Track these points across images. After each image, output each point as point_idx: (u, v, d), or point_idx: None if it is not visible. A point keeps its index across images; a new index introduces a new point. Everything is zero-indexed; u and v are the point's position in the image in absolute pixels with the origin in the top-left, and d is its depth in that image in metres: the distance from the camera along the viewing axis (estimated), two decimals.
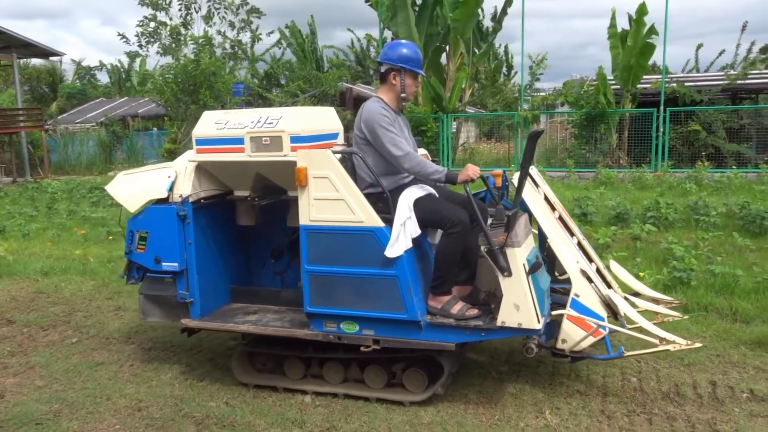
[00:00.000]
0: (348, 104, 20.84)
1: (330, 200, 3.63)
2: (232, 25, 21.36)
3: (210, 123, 4.00)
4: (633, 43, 15.60)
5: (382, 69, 3.95)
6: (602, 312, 3.68)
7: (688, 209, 8.97)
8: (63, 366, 4.62)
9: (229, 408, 3.88)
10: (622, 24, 16.71)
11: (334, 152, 3.72)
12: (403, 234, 3.55)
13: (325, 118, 4.22)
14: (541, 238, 4.11)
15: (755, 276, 5.78)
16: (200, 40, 20.13)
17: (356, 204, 3.59)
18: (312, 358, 4.06)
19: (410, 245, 3.58)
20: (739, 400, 3.77)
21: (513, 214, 3.47)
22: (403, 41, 4.09)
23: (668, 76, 16.94)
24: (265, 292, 4.54)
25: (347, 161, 3.95)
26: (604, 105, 15.81)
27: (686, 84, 16.52)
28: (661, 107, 15.40)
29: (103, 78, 38.71)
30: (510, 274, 3.44)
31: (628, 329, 3.75)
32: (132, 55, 21.77)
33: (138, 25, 20.38)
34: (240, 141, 3.85)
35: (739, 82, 16.70)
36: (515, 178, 3.82)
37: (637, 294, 4.29)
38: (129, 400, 4.03)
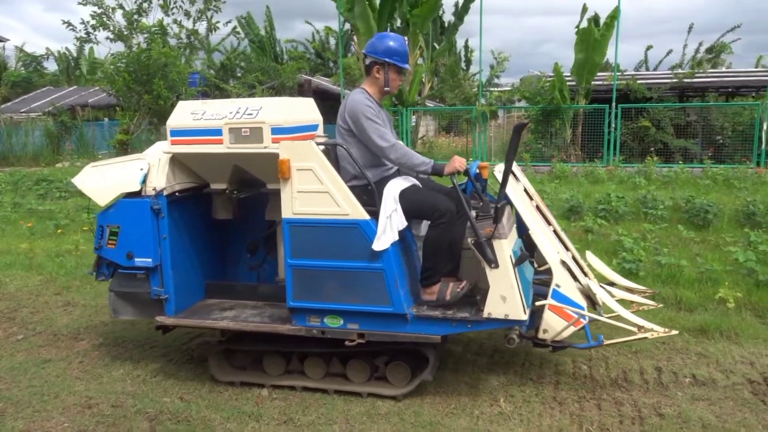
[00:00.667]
0: (306, 96, 20.69)
1: (314, 193, 3.57)
2: (187, 14, 20.91)
3: (185, 113, 3.86)
4: (592, 41, 15.95)
5: (367, 61, 3.91)
6: (582, 302, 3.72)
7: (638, 203, 9.24)
8: (7, 364, 4.48)
9: (183, 403, 3.83)
10: (583, 22, 17.05)
11: (318, 144, 3.65)
12: (390, 226, 3.52)
13: (305, 110, 4.14)
14: (520, 229, 4.14)
15: (698, 267, 6.01)
16: (152, 29, 19.62)
17: (341, 196, 3.54)
18: (292, 354, 4.00)
19: (397, 238, 3.55)
20: (682, 385, 3.93)
21: (500, 206, 3.50)
22: (391, 34, 4.01)
23: (620, 73, 17.38)
24: (242, 288, 4.44)
25: (331, 153, 3.89)
26: (559, 101, 16.13)
27: (637, 81, 17.00)
28: (613, 104, 15.81)
29: (51, 66, 37.35)
30: (497, 266, 3.45)
31: (607, 318, 3.80)
32: (81, 40, 20.94)
33: (87, 2, 19.49)
34: (218, 132, 3.74)
35: (686, 80, 17.27)
36: (497, 170, 3.86)
37: (612, 284, 4.36)
38: (78, 398, 3.93)
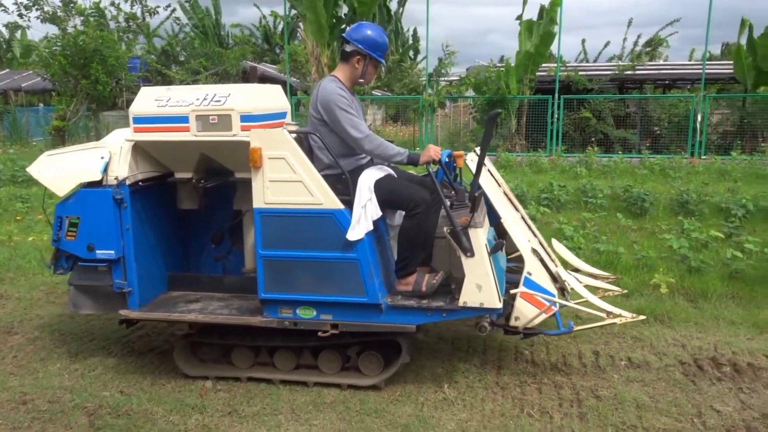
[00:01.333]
0: (252, 83, 20.32)
1: (286, 182, 3.50)
2: None
3: (149, 100, 3.70)
4: (537, 32, 16.24)
5: (347, 48, 3.82)
6: (553, 289, 3.77)
7: (579, 192, 9.51)
8: None
9: (124, 397, 3.74)
10: (530, 13, 17.35)
11: (290, 132, 3.57)
12: (364, 216, 3.50)
13: (274, 96, 4.02)
14: (490, 217, 4.13)
15: (635, 253, 6.24)
16: (87, 11, 18.84)
17: (315, 185, 3.48)
18: (261, 346, 3.93)
19: (371, 227, 3.52)
20: (618, 368, 4.09)
21: (477, 195, 3.53)
22: (375, 25, 3.94)
23: (563, 65, 17.78)
24: (207, 279, 4.33)
25: (303, 142, 3.82)
26: (505, 91, 16.38)
27: (579, 73, 17.43)
28: (556, 94, 16.17)
29: None
30: (473, 255, 3.46)
31: (576, 304, 3.86)
32: (11, 27, 19.98)
33: None
34: (184, 119, 3.60)
35: (626, 73, 17.82)
36: (469, 159, 3.88)
37: (576, 270, 4.44)
38: (12, 394, 3.78)
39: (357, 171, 3.72)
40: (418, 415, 3.50)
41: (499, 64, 17.20)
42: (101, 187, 3.80)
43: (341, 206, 3.50)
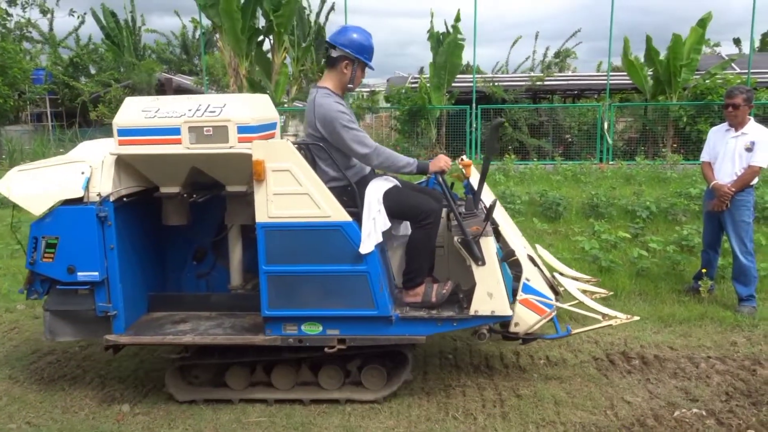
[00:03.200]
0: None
1: (292, 195, 3.38)
2: (12, 2, 18.86)
3: (135, 111, 3.49)
4: (447, 45, 16.66)
5: (334, 54, 3.70)
6: (550, 294, 3.80)
7: (498, 198, 9.76)
8: None
9: (32, 428, 3.52)
10: (439, 25, 17.78)
11: (294, 143, 3.46)
12: (374, 228, 3.43)
13: (266, 106, 3.85)
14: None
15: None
16: None
17: (322, 198, 3.39)
18: (256, 364, 3.79)
19: (381, 239, 3.46)
20: (537, 366, 4.24)
21: (492, 204, 3.53)
22: (360, 28, 3.80)
23: (480, 76, 18.34)
24: (191, 298, 4.11)
25: (307, 153, 3.69)
26: (424, 102, 16.69)
27: (496, 84, 18.03)
28: (473, 104, 16.64)
29: None
30: (484, 264, 3.46)
31: (571, 307, 3.94)
32: None
33: None
34: (175, 131, 3.41)
35: (539, 83, 18.59)
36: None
37: (561, 274, 4.52)
38: None
39: (362, 182, 3.67)
40: (345, 425, 3.50)
41: (417, 76, 17.51)
42: (82, 204, 3.55)
43: (349, 218, 3.42)
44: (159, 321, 3.90)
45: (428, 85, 16.85)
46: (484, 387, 3.93)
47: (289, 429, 3.47)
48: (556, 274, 4.40)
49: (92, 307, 3.63)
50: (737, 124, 5.25)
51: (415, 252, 3.66)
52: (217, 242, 4.14)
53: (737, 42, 32.68)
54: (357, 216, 3.47)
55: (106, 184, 3.57)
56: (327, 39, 3.81)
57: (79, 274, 3.56)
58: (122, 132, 3.49)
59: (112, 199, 3.57)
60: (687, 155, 14.58)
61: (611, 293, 4.69)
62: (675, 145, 15.71)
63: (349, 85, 3.77)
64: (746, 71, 15.65)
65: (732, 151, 5.25)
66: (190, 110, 3.43)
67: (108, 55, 21.58)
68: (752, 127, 5.21)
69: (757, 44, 30.03)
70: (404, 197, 3.66)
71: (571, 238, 7.42)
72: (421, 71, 16.84)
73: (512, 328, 3.68)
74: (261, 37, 17.23)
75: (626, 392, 3.87)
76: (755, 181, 5.25)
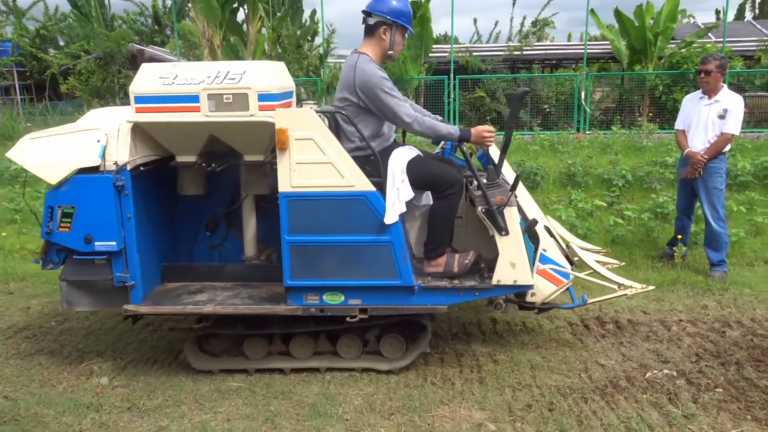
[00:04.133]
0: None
1: (315, 164, 3.35)
2: None
3: (152, 78, 3.41)
4: (419, 18, 16.49)
5: (371, 21, 3.63)
6: (567, 264, 3.83)
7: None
8: None
9: (10, 402, 3.50)
10: None
11: (317, 112, 3.41)
12: (398, 198, 3.41)
13: (283, 74, 3.77)
14: None
15: None
16: None
17: (346, 167, 3.35)
18: (274, 335, 3.79)
19: (404, 209, 3.44)
20: (514, 333, 4.31)
21: (517, 176, 3.57)
22: None
23: (457, 46, 18.21)
24: (205, 269, 4.08)
25: (330, 122, 3.62)
26: (402, 72, 16.56)
27: (473, 54, 17.94)
28: (452, 75, 16.56)
29: None
30: (507, 234, 3.47)
31: (590, 277, 3.96)
32: None
33: None
34: (194, 99, 3.35)
35: (516, 53, 18.53)
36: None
37: (568, 245, 4.47)
38: None
39: (385, 152, 3.62)
40: (324, 393, 3.53)
41: None
42: (99, 173, 3.49)
43: (373, 188, 3.40)
44: (175, 291, 3.89)
45: (405, 56, 16.70)
46: (462, 353, 3.99)
47: (269, 398, 3.50)
48: (571, 245, 4.41)
49: (109, 278, 3.61)
50: (710, 91, 5.29)
51: (437, 222, 3.65)
52: (230, 213, 4.12)
53: (718, 13, 32.81)
54: (380, 186, 3.45)
55: (122, 153, 3.51)
56: (363, 9, 3.74)
57: (96, 243, 3.54)
58: (139, 99, 3.42)
59: (129, 167, 3.51)
60: (663, 124, 14.70)
61: (623, 263, 4.75)
62: (651, 114, 15.83)
63: (390, 52, 3.71)
64: (722, 40, 15.75)
65: (705, 119, 5.30)
66: (209, 77, 3.37)
67: (76, 26, 20.98)
68: (725, 94, 5.27)
69: (734, 13, 30.19)
70: (428, 167, 3.63)
71: (548, 207, 7.48)
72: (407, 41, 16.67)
73: (529, 298, 3.71)
74: (236, 4, 16.88)
75: (600, 355, 3.95)
76: (728, 148, 5.32)
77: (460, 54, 17.61)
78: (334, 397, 3.48)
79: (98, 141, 3.51)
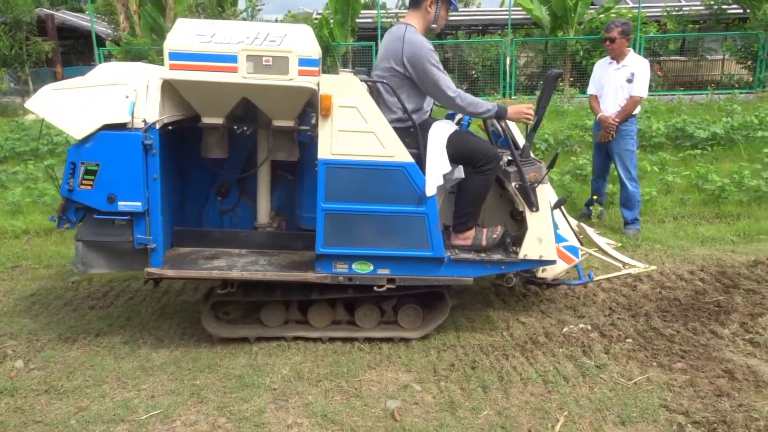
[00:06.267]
0: (51, 34, 18.16)
1: (357, 132, 3.33)
2: None
3: (190, 35, 3.23)
4: None
5: None
6: (576, 243, 3.92)
7: None
8: None
9: None
10: None
11: (362, 80, 3.38)
12: (438, 170, 3.43)
13: (315, 40, 3.60)
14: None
15: None
16: None
17: (387, 137, 3.34)
18: (290, 303, 3.78)
19: (442, 182, 3.47)
20: None
21: (556, 154, 3.70)
22: None
23: (384, 11, 18.06)
24: (219, 234, 3.95)
25: (372, 92, 3.57)
26: (328, 39, 16.32)
27: (401, 19, 17.86)
28: (379, 41, 16.45)
29: None
30: (537, 209, 3.55)
31: (599, 254, 4.19)
32: None
33: None
34: (232, 59, 3.21)
35: None
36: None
37: (578, 224, 4.63)
38: None
39: (423, 125, 3.63)
40: (252, 364, 3.52)
41: (320, 12, 17.03)
42: (126, 130, 3.32)
43: (411, 159, 3.39)
44: (190, 256, 3.78)
45: (331, 21, 16.44)
46: None
47: (195, 372, 3.46)
48: (580, 224, 4.57)
49: (130, 239, 3.48)
50: (617, 57, 5.49)
51: (470, 196, 3.69)
52: (243, 178, 4.03)
53: None
54: (417, 157, 3.46)
55: (152, 110, 3.36)
56: None
57: (120, 203, 3.39)
58: (174, 56, 3.25)
59: (158, 126, 3.37)
60: (583, 88, 15.19)
61: (619, 245, 4.98)
62: (572, 79, 16.31)
63: (433, 25, 3.75)
64: (637, 6, 16.29)
65: (615, 84, 5.51)
66: (248, 38, 3.24)
67: None
68: (632, 58, 5.48)
69: None
70: (467, 142, 3.65)
71: None
72: (327, 6, 16.35)
73: (540, 274, 3.83)
74: None
75: (521, 314, 4.12)
76: (637, 110, 5.56)
77: (387, 20, 17.47)
78: (261, 368, 3.48)
79: (127, 97, 3.36)
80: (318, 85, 3.33)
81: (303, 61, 3.28)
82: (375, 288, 3.59)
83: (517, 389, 3.22)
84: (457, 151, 3.59)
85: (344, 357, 3.58)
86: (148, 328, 3.99)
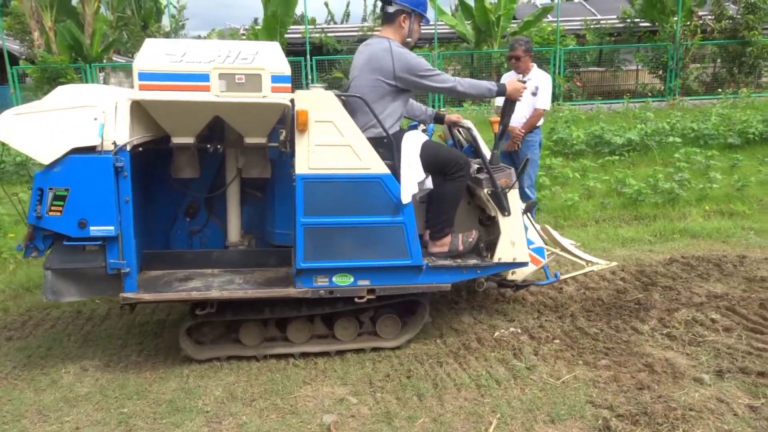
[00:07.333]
0: None
1: (334, 146, 3.36)
2: None
3: (159, 54, 3.19)
4: None
5: (390, 9, 3.74)
6: (543, 244, 4.02)
7: None
8: None
9: None
10: None
11: (336, 95, 3.41)
12: (412, 179, 3.49)
13: (284, 56, 3.53)
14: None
15: None
16: None
17: (363, 150, 3.39)
18: (268, 321, 3.72)
19: (417, 190, 3.53)
20: None
21: (526, 159, 3.90)
22: None
23: (312, 27, 18.10)
24: (191, 255, 3.88)
25: (345, 105, 3.56)
26: None
27: (328, 34, 17.95)
28: (308, 56, 16.46)
29: None
30: (510, 214, 3.67)
31: (563, 254, 4.34)
32: None
33: None
34: (204, 78, 3.20)
35: (370, 33, 18.79)
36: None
37: (542, 226, 4.72)
38: None
39: (396, 136, 3.68)
40: (183, 387, 3.43)
41: (247, 27, 16.90)
42: (96, 153, 3.23)
43: (387, 171, 3.45)
44: (163, 279, 3.67)
45: (259, 36, 16.34)
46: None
47: (122, 399, 3.33)
48: (545, 226, 4.70)
49: (102, 265, 3.37)
50: (523, 72, 5.73)
51: (444, 203, 3.75)
52: (210, 198, 3.95)
53: None
54: (392, 168, 3.52)
55: (122, 132, 3.28)
56: None
57: (92, 228, 3.28)
58: (144, 76, 3.22)
59: (128, 148, 3.27)
60: None
61: (579, 244, 5.13)
62: None
63: (408, 39, 3.82)
64: (557, 20, 17.00)
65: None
66: (219, 56, 3.24)
67: None
68: (536, 73, 5.73)
69: None
70: (439, 150, 3.76)
71: None
72: (255, 22, 16.24)
73: (509, 277, 3.96)
74: None
75: (454, 321, 4.19)
76: (541, 122, 5.82)
77: (315, 35, 17.53)
78: (193, 391, 3.39)
79: (95, 119, 3.27)
80: (292, 101, 3.37)
81: (276, 78, 3.31)
82: (356, 299, 3.62)
83: (451, 395, 3.27)
84: (429, 159, 3.67)
85: (279, 374, 3.54)
86: (71, 357, 3.82)
